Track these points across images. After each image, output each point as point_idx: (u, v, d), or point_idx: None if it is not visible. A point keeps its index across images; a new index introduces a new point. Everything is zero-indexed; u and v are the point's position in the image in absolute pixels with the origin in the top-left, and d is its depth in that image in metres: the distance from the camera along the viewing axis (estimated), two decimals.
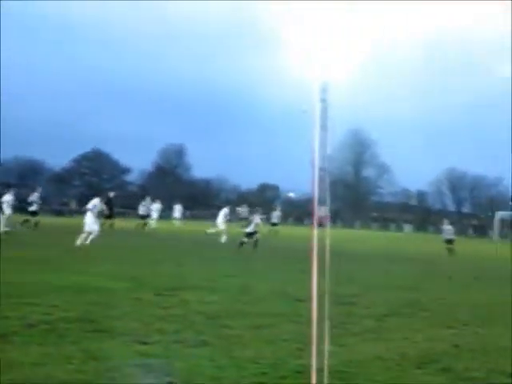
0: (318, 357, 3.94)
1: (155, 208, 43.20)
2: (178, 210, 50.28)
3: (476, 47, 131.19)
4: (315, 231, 4.11)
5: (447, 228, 31.38)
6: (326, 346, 4.21)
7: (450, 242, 30.43)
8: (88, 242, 21.61)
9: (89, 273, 14.36)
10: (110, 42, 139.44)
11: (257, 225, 26.98)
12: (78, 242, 21.36)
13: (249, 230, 26.53)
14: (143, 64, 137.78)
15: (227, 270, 16.82)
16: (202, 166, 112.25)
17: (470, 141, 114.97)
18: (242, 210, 48.76)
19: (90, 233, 21.94)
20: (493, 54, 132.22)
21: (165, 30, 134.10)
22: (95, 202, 23.00)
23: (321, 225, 4.48)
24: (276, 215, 45.25)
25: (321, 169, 4.19)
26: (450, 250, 29.64)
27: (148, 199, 42.89)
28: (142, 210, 41.32)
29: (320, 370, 5.01)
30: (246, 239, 26.13)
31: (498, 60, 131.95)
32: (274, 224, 43.83)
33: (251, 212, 34.75)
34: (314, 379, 3.88)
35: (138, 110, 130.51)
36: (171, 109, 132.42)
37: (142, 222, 40.17)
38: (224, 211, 32.16)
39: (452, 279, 18.37)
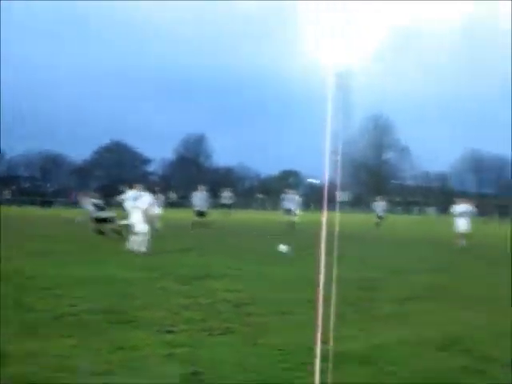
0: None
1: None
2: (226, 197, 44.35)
3: None
4: (325, 216, 4.16)
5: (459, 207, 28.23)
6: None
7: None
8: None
9: None
10: (135, 28, 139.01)
11: None
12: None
13: None
14: (165, 51, 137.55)
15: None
16: (222, 155, 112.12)
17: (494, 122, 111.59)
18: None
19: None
20: None
21: (192, 15, 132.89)
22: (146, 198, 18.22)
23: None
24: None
25: (334, 153, 4.21)
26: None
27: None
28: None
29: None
30: None
31: None
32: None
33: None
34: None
35: (157, 99, 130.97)
36: (190, 98, 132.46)
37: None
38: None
39: None
